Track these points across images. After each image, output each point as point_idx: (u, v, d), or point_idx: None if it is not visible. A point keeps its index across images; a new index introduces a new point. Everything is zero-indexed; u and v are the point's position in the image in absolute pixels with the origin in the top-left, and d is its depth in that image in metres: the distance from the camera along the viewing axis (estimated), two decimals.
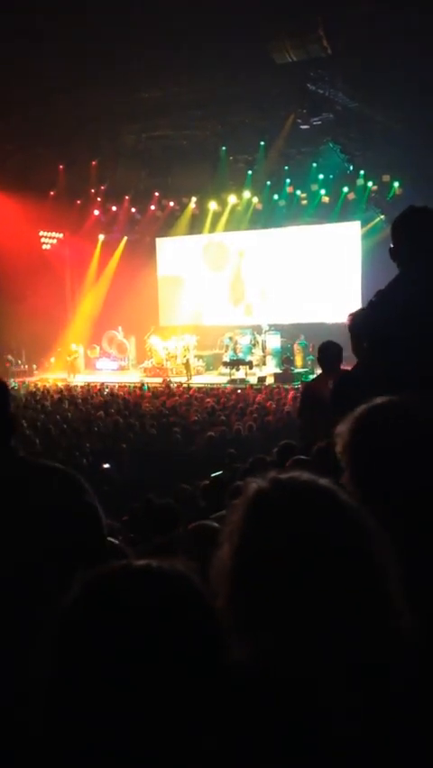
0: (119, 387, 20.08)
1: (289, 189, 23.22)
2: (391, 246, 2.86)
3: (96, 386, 20.31)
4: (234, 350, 22.99)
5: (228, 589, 1.12)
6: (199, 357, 24.11)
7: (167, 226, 26.13)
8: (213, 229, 25.47)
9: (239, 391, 17.64)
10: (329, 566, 1.07)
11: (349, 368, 4.30)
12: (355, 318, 4.12)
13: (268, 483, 1.18)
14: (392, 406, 1.53)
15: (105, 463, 9.72)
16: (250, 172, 23.00)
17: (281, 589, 1.06)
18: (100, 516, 2.04)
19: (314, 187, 22.76)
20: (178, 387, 19.47)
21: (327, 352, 5.80)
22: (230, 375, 22.00)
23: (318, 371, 7.22)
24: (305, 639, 1.04)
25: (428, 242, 2.78)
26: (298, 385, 17.20)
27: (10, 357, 24.59)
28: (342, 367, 5.60)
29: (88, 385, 20.74)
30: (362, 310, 4.22)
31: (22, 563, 1.74)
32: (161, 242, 26.81)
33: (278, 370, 21.64)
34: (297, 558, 1.07)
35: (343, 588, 1.06)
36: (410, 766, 1.05)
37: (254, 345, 23.42)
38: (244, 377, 21.58)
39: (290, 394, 15.78)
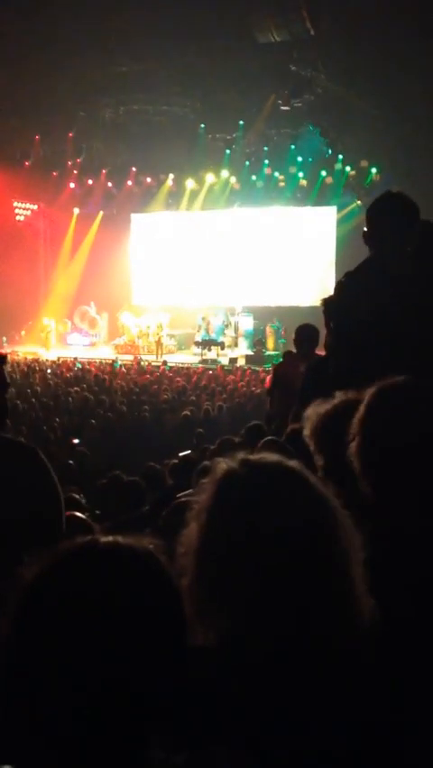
0: (89, 363, 19.94)
1: (267, 171, 23.10)
2: (365, 230, 2.88)
3: (66, 360, 20.16)
4: (207, 330, 22.91)
5: (194, 568, 1.12)
6: (171, 336, 23.98)
7: (143, 202, 25.81)
8: (190, 207, 25.25)
9: (210, 372, 17.64)
10: (294, 548, 1.07)
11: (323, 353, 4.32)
12: (328, 303, 4.13)
13: (237, 464, 1.17)
14: (407, 386, 1.55)
15: (75, 439, 9.68)
16: (228, 151, 22.81)
17: (246, 571, 1.07)
18: (58, 492, 2.05)
19: (292, 170, 22.66)
20: (149, 365, 19.39)
21: (304, 335, 5.79)
22: (202, 355, 21.94)
23: None
24: (267, 622, 1.05)
25: (401, 227, 2.80)
26: (269, 367, 17.25)
27: None
28: (316, 351, 5.60)
29: (59, 359, 20.57)
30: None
31: None
32: (136, 218, 26.53)
33: (249, 352, 21.64)
34: (263, 540, 1.07)
35: (307, 571, 1.07)
36: (369, 750, 1.07)
37: (227, 326, 23.36)
38: (215, 357, 21.54)
39: (261, 376, 15.82)
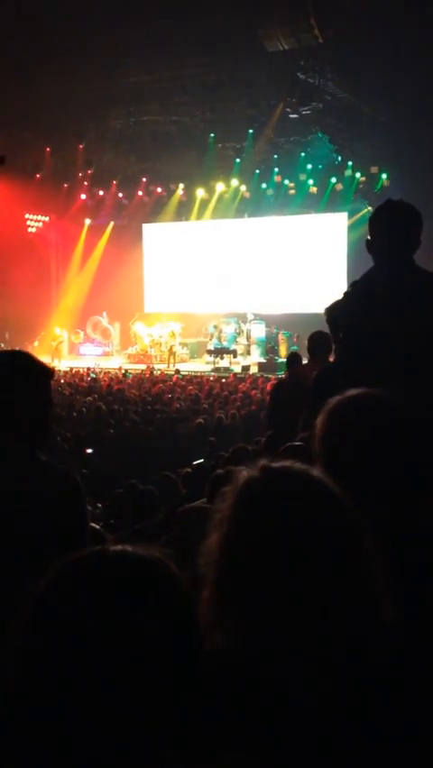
0: (103, 373, 20.02)
1: (277, 179, 23.13)
2: (369, 238, 2.87)
3: (78, 371, 20.23)
4: (219, 338, 22.95)
5: (216, 577, 1.12)
6: (184, 345, 24.03)
7: (154, 212, 25.94)
8: (200, 216, 25.33)
9: (223, 380, 17.64)
10: (318, 557, 1.06)
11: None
12: (331, 311, 4.12)
13: (258, 472, 1.16)
14: (367, 398, 1.53)
15: (88, 449, 9.70)
16: (238, 160, 22.85)
17: (268, 579, 1.06)
18: (87, 523, 2.18)
19: (302, 177, 22.67)
20: (161, 374, 19.43)
21: (316, 342, 5.80)
22: (214, 363, 21.97)
23: (305, 361, 7.23)
24: (288, 631, 1.05)
25: (402, 236, 2.79)
26: (281, 374, 17.21)
27: None
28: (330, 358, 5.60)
29: (72, 370, 20.64)
30: (336, 303, 4.23)
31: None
32: (147, 228, 26.65)
33: (262, 360, 21.62)
34: (285, 548, 1.07)
35: (330, 579, 1.06)
36: (386, 755, 1.06)
37: (239, 334, 23.37)
38: (227, 365, 21.57)
39: (274, 383, 15.77)
